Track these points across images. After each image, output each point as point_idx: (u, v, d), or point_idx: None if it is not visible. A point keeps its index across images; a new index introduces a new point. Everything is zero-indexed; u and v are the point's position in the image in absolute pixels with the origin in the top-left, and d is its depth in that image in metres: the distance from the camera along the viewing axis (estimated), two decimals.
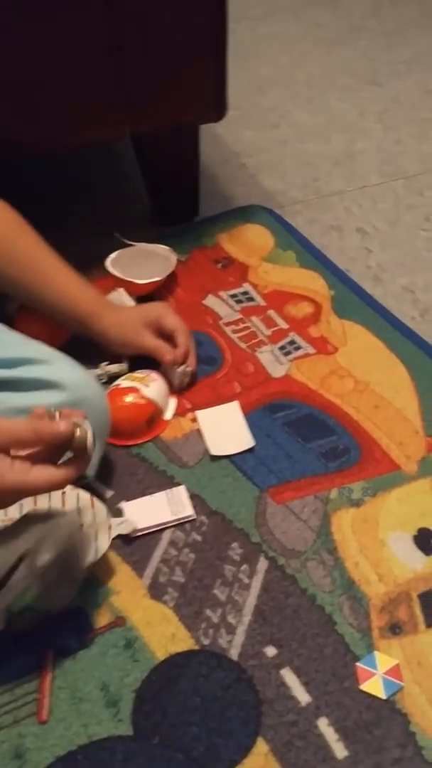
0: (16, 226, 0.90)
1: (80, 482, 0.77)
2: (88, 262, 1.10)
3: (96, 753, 0.62)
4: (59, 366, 0.76)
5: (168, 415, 0.92)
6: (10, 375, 0.73)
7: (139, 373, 0.92)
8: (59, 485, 0.59)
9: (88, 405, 0.72)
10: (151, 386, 0.90)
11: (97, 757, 0.62)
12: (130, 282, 1.08)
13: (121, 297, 1.07)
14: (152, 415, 0.88)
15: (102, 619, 0.71)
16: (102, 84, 1.03)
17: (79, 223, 1.26)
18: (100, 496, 0.81)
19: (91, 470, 0.78)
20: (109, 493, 0.82)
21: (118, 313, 0.95)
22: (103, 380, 0.94)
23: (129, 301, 1.07)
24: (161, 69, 1.04)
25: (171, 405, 0.93)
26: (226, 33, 1.04)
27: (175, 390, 0.95)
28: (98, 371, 0.94)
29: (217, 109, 1.12)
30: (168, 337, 0.95)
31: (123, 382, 0.90)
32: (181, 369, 0.93)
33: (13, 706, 0.65)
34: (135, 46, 1.01)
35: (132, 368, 0.96)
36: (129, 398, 0.87)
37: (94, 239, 1.14)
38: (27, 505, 0.72)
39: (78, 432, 0.59)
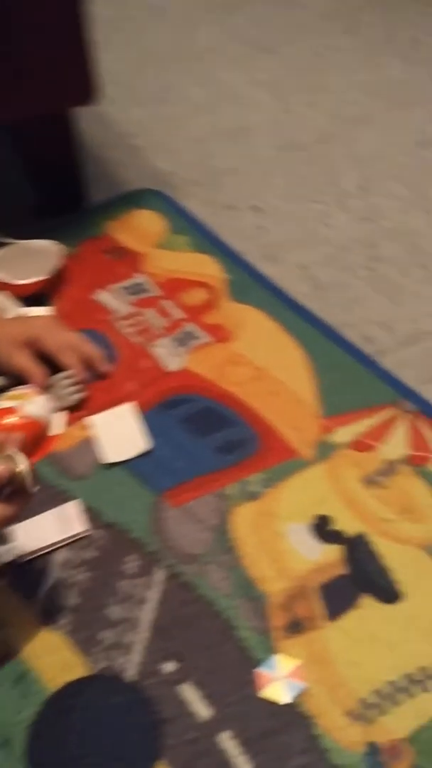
0: None
1: None
2: None
3: None
4: None
5: (57, 429, 0.87)
6: None
7: (20, 389, 0.86)
8: (8, 521, 0.59)
9: None
10: (33, 402, 0.85)
11: None
12: (11, 284, 1.02)
13: (3, 302, 1.01)
14: (38, 434, 0.83)
15: None
16: None
17: None
18: None
19: None
20: None
21: None
22: None
23: (13, 306, 1.01)
24: (18, 53, 0.97)
25: (60, 418, 0.88)
26: (85, 11, 0.98)
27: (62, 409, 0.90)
28: None
29: (87, 92, 1.06)
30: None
31: (1, 402, 0.85)
32: (66, 391, 0.89)
33: None
34: None
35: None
36: (10, 419, 0.82)
37: None
38: None
39: (17, 468, 0.59)
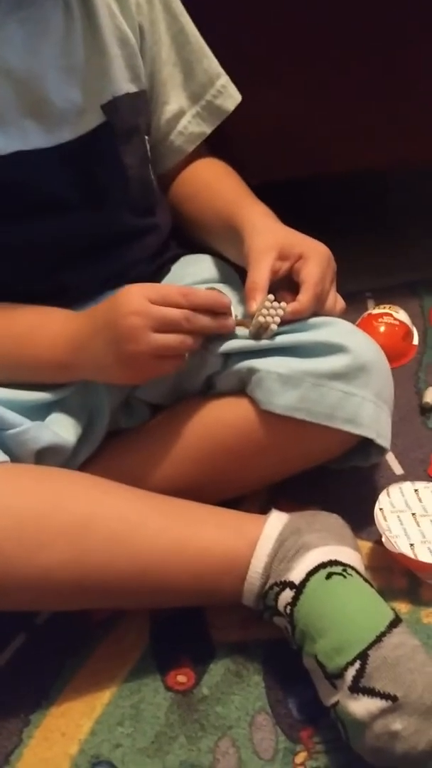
0: (223, 169, 0.83)
1: (379, 458, 0.72)
2: None
3: None
4: (340, 327, 0.68)
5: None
6: (292, 340, 0.68)
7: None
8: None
9: (373, 370, 0.66)
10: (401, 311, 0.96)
11: None
12: None
13: None
14: (407, 337, 0.93)
15: None
16: None
17: None
18: None
19: (386, 441, 0.69)
20: None
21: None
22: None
23: None
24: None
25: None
26: None
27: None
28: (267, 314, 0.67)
29: None
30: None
31: (375, 309, 0.97)
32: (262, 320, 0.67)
33: None
34: None
35: None
36: (387, 319, 0.92)
37: None
38: None
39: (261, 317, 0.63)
